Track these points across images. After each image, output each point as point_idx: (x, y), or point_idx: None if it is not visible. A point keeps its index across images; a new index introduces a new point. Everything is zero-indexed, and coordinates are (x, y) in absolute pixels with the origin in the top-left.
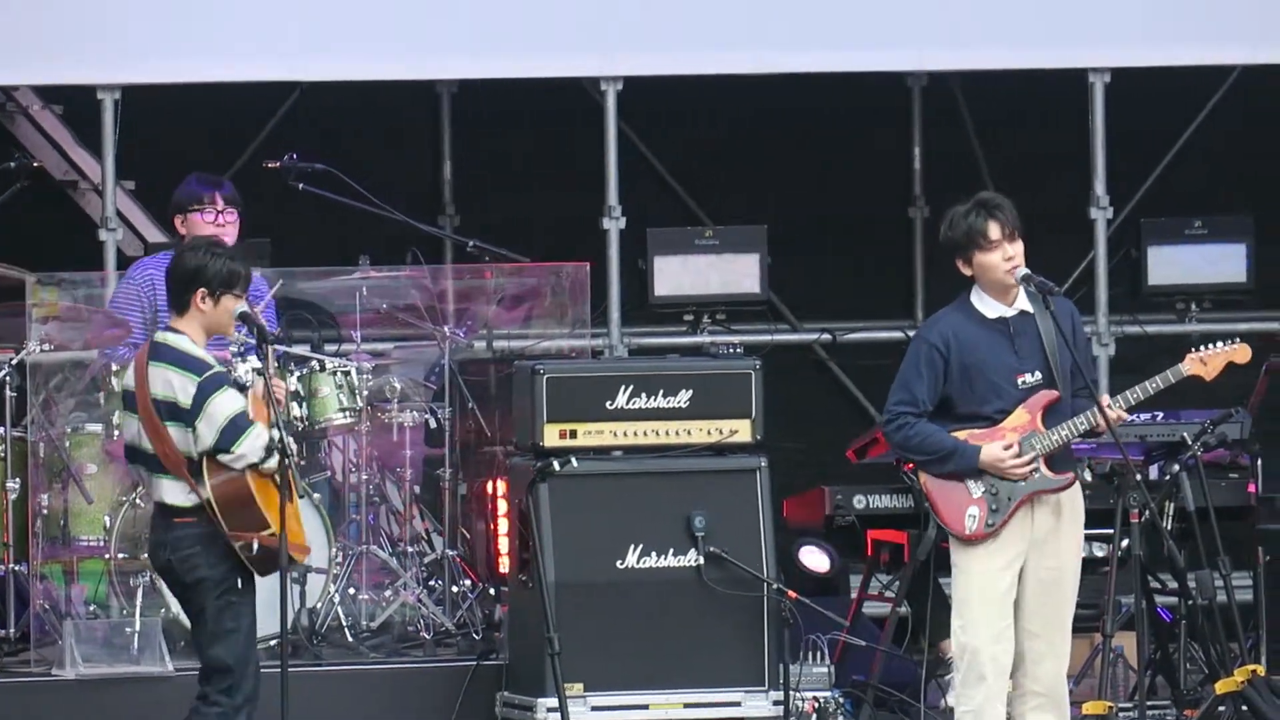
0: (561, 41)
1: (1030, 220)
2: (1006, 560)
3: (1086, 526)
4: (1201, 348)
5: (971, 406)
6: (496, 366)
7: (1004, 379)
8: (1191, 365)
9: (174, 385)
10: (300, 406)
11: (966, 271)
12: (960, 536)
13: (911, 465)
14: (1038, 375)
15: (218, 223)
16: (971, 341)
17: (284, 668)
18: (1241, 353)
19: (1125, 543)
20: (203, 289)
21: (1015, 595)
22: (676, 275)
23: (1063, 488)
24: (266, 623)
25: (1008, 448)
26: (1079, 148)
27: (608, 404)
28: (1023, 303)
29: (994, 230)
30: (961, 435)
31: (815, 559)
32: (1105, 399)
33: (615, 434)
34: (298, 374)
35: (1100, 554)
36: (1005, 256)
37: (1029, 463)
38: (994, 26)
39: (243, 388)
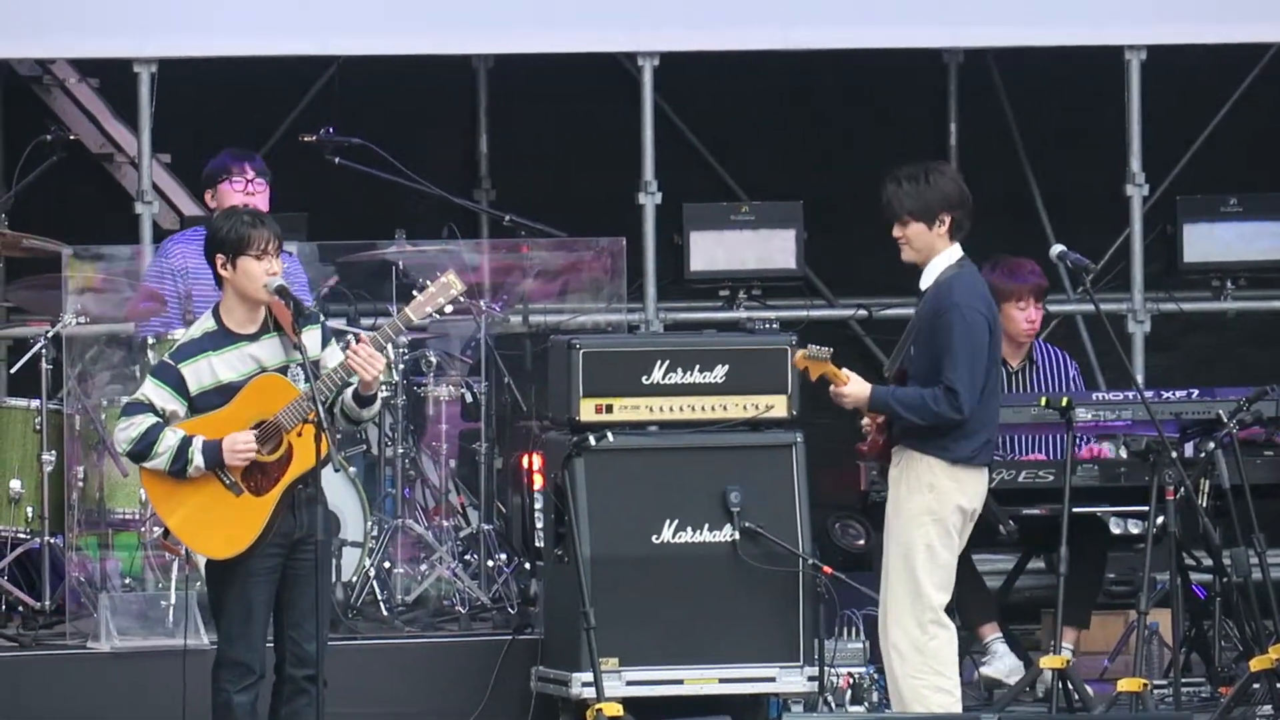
0: (598, 16)
1: (1066, 196)
2: None
3: (1122, 503)
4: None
5: None
6: (532, 341)
7: None
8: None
9: None
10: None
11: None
12: None
13: None
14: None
15: (247, 191)
16: None
17: (320, 641)
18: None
19: (1160, 520)
20: (220, 255)
21: None
22: (712, 250)
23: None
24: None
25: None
26: (1115, 124)
27: (644, 379)
28: (927, 284)
29: None
30: None
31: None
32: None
33: (651, 409)
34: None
35: (1136, 530)
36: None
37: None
38: (1030, 3)
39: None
